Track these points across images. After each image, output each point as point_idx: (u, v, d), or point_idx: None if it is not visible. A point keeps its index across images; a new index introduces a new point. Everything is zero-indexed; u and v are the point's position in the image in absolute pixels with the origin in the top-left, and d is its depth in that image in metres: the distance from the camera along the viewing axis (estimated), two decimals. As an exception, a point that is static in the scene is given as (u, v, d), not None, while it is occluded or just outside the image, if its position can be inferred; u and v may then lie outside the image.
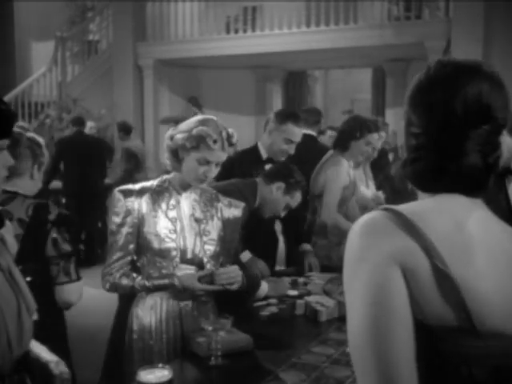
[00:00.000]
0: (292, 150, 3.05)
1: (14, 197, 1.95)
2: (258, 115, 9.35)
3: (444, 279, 0.81)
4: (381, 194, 3.67)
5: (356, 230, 0.86)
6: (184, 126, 2.03)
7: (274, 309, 2.30)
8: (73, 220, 2.18)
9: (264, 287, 2.41)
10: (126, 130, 6.97)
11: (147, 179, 2.26)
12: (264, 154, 3.09)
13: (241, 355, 1.83)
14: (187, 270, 2.01)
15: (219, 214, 2.14)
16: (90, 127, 6.79)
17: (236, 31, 8.54)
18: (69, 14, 9.54)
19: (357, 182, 3.62)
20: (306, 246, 3.07)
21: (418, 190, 0.94)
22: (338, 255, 3.16)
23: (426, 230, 0.83)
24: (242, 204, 2.23)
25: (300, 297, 2.42)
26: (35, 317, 1.43)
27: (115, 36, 8.85)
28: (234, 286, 2.02)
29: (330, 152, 3.39)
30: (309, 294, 2.49)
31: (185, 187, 2.08)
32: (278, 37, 7.90)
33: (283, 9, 7.92)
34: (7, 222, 1.44)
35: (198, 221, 2.07)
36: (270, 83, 9.75)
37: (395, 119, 8.01)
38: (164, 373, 1.51)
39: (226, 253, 2.16)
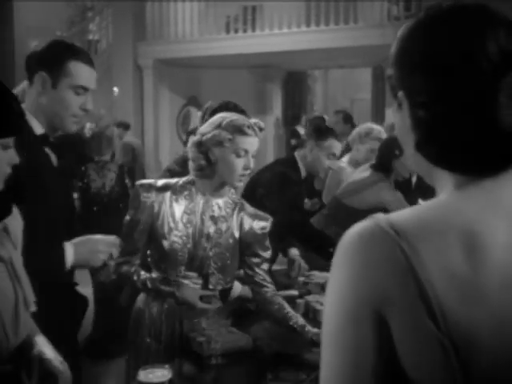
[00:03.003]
0: (335, 164, 3.17)
1: None
2: (257, 115, 9.32)
3: (433, 345, 0.64)
4: None
5: (342, 248, 0.70)
6: (207, 126, 1.96)
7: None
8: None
9: (237, 287, 2.37)
10: (124, 125, 6.98)
11: (144, 173, 2.24)
12: (303, 172, 3.15)
13: (241, 355, 1.83)
14: (194, 280, 1.97)
15: (238, 226, 2.03)
16: (88, 128, 6.78)
17: (236, 31, 8.53)
18: (69, 13, 9.54)
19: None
20: (294, 251, 3.03)
21: (446, 170, 0.74)
22: None
23: (423, 262, 0.65)
24: (269, 217, 2.09)
25: (300, 296, 2.42)
26: (33, 308, 1.43)
27: (115, 36, 8.85)
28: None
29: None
30: (309, 293, 2.49)
31: (211, 194, 1.99)
32: (278, 37, 7.90)
33: (283, 9, 7.91)
34: (15, 212, 1.43)
35: (214, 231, 1.99)
36: (269, 83, 9.75)
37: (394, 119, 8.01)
38: (164, 373, 1.51)
39: (248, 267, 2.07)
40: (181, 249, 1.95)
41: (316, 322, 2.19)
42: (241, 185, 1.99)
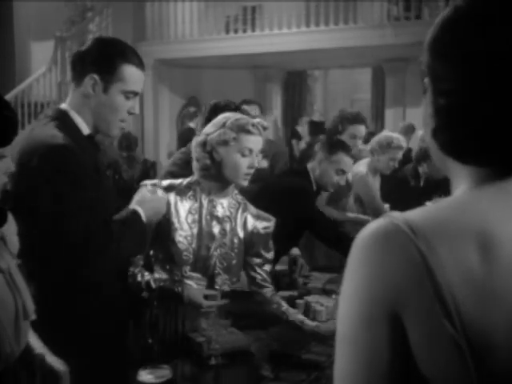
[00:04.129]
0: (343, 181, 2.97)
1: None
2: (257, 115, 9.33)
3: (451, 346, 0.63)
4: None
5: (358, 246, 0.69)
6: (212, 126, 1.97)
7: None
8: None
9: None
10: None
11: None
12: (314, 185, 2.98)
13: (241, 355, 1.83)
14: (198, 281, 1.98)
15: (242, 226, 2.04)
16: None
17: (236, 31, 8.53)
18: (68, 14, 9.53)
19: (375, 191, 3.59)
20: (295, 250, 3.00)
21: (459, 162, 0.73)
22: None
23: (439, 262, 0.64)
24: (272, 218, 2.10)
25: (300, 297, 2.42)
26: (33, 317, 1.43)
27: (115, 36, 8.84)
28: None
29: None
30: (309, 293, 2.49)
31: (215, 194, 2.00)
32: (278, 37, 7.90)
33: (283, 9, 7.91)
34: (10, 219, 1.43)
35: (218, 232, 2.00)
36: (269, 83, 9.74)
37: (395, 119, 8.01)
38: (164, 373, 1.51)
39: (251, 267, 2.09)
40: (186, 249, 1.95)
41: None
42: (245, 184, 1.98)
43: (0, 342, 1.31)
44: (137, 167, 5.57)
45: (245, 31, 8.47)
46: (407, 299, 0.64)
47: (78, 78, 1.75)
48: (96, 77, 1.71)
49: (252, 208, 2.09)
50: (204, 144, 1.95)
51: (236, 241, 2.02)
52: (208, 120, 2.16)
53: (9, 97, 8.18)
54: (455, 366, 0.63)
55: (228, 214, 2.02)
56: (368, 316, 0.67)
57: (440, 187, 4.09)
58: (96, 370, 1.63)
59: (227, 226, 2.01)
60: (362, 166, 3.64)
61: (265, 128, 1.98)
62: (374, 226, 0.68)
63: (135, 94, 1.78)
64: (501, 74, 0.68)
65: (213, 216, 2.00)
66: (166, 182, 2.00)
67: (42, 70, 8.69)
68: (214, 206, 2.00)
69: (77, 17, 9.64)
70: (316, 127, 7.55)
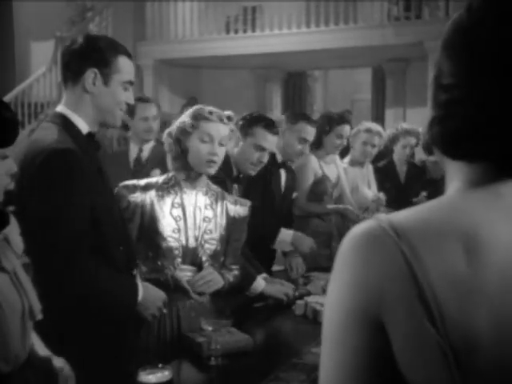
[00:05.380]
0: (307, 149, 3.07)
1: None
2: (257, 115, 9.33)
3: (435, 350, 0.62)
4: (382, 196, 3.70)
5: (344, 249, 0.68)
6: (181, 117, 2.08)
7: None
8: None
9: (260, 283, 2.41)
10: (125, 126, 6.98)
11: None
12: (279, 158, 3.04)
13: (241, 355, 1.83)
14: (188, 272, 2.01)
15: (224, 213, 2.12)
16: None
17: (236, 31, 8.54)
18: (68, 14, 9.54)
19: (358, 182, 3.69)
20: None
21: (448, 156, 0.73)
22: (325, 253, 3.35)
23: (422, 265, 0.63)
24: (248, 202, 2.22)
25: (300, 297, 2.42)
26: (39, 317, 1.43)
27: (115, 36, 8.79)
28: (213, 289, 2.04)
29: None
30: (309, 293, 2.49)
31: (190, 185, 2.07)
32: (278, 37, 7.90)
33: (283, 9, 7.92)
34: (12, 220, 1.43)
35: (202, 219, 2.06)
36: (269, 83, 9.75)
37: (395, 119, 8.01)
38: (164, 373, 1.51)
39: (232, 253, 2.16)
40: (175, 242, 2.00)
41: (316, 323, 2.19)
42: (212, 172, 2.06)
43: (7, 343, 1.31)
44: None
45: (245, 31, 8.47)
46: (390, 302, 0.64)
47: (75, 76, 1.77)
48: (96, 71, 1.75)
49: (228, 196, 2.19)
50: (171, 134, 2.06)
51: (219, 227, 2.09)
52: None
53: (9, 97, 8.18)
54: (438, 370, 0.62)
55: (209, 202, 2.10)
56: (351, 318, 0.66)
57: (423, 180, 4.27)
58: (96, 369, 1.63)
59: (210, 214, 2.09)
60: (346, 159, 3.85)
61: (230, 118, 2.07)
62: (360, 227, 0.67)
63: (131, 83, 1.86)
64: (505, 73, 0.67)
65: (195, 206, 2.06)
66: (143, 182, 2.04)
67: (42, 69, 8.69)
68: (195, 197, 2.07)
69: (77, 17, 9.63)
70: None
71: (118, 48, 1.82)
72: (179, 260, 2.01)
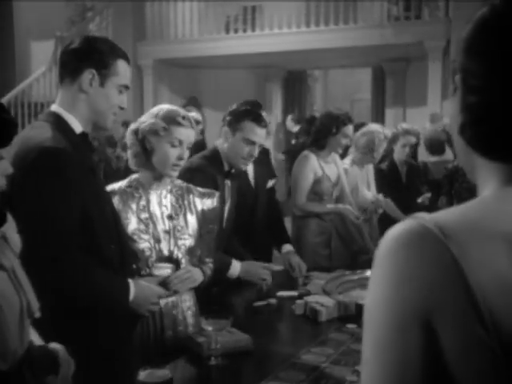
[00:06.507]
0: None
1: None
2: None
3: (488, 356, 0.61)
4: (381, 197, 3.70)
5: (385, 249, 0.67)
6: (146, 115, 2.06)
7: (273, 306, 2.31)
8: None
9: (236, 267, 2.43)
10: (127, 124, 6.98)
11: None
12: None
13: (241, 355, 1.83)
14: (165, 269, 2.00)
15: (192, 207, 2.12)
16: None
17: (236, 31, 8.54)
18: (68, 14, 9.54)
19: (358, 182, 3.70)
20: (288, 247, 3.00)
21: (486, 158, 0.72)
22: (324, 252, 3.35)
23: (471, 266, 0.62)
24: (216, 193, 2.20)
25: (300, 297, 2.42)
26: (37, 315, 1.43)
27: (115, 36, 8.83)
28: (189, 286, 2.03)
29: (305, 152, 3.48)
30: (309, 294, 2.49)
31: (154, 185, 2.06)
32: (278, 37, 7.90)
33: (283, 9, 7.92)
34: (9, 218, 1.43)
35: (170, 218, 2.06)
36: (269, 83, 9.75)
37: (395, 119, 8.01)
38: (164, 373, 1.51)
39: (206, 246, 2.15)
40: (147, 243, 1.99)
41: (316, 323, 2.19)
42: (175, 175, 2.06)
43: (5, 341, 1.31)
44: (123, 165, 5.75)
45: (245, 31, 8.48)
46: (439, 303, 0.63)
47: (72, 75, 1.78)
48: (94, 71, 1.76)
49: (194, 189, 2.17)
50: (137, 132, 2.04)
51: (189, 223, 2.09)
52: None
53: (9, 97, 8.19)
54: (488, 371, 0.62)
55: (174, 199, 2.09)
56: (399, 323, 0.65)
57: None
58: (96, 369, 1.63)
59: (178, 211, 2.08)
60: (347, 160, 3.83)
61: (198, 122, 2.06)
62: (401, 228, 0.65)
63: (127, 88, 1.85)
64: None
65: (161, 206, 2.06)
66: (109, 188, 2.01)
67: (42, 69, 8.69)
68: (159, 196, 2.07)
69: (77, 17, 9.64)
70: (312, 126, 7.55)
71: (118, 51, 1.84)
72: (153, 259, 1.99)
